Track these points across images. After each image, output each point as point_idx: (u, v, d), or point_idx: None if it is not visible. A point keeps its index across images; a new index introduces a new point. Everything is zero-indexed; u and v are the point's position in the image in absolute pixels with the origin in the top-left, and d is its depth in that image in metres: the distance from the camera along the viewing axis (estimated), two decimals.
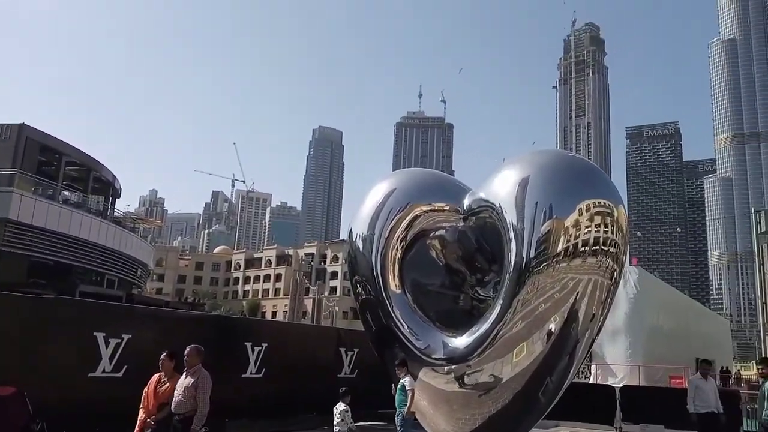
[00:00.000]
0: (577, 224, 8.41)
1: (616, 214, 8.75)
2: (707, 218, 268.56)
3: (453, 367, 9.15)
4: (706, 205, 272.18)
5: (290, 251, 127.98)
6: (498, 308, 8.68)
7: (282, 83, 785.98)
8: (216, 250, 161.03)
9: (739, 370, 48.82)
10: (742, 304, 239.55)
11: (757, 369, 9.89)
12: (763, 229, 30.16)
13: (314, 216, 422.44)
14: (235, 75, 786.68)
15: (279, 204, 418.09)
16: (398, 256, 9.78)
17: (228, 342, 12.36)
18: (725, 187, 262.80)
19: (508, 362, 8.76)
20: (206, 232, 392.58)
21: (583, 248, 8.41)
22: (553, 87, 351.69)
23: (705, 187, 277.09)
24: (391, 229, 9.73)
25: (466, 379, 9.08)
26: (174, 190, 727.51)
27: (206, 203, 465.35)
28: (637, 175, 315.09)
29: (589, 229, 8.46)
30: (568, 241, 8.36)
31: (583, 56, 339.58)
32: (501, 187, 9.07)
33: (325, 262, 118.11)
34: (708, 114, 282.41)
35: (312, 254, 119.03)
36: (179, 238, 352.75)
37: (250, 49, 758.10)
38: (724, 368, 32.83)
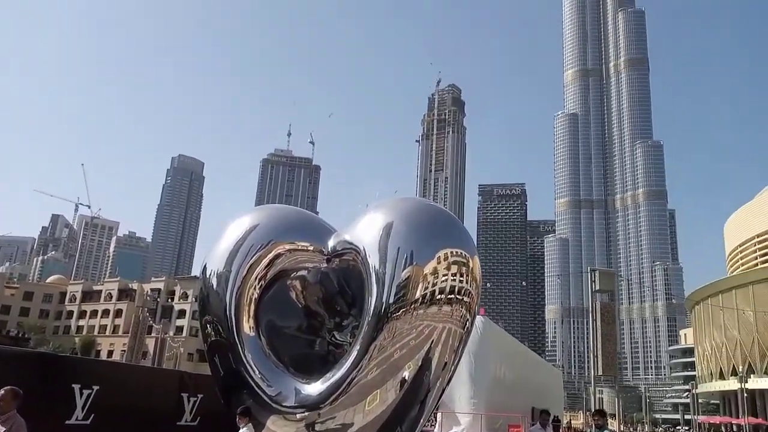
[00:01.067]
0: (435, 272, 8.61)
1: (471, 264, 9.08)
2: (546, 275, 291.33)
3: (304, 414, 8.81)
4: (546, 262, 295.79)
5: (134, 285, 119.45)
6: (354, 354, 8.55)
7: (143, 104, 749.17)
8: (49, 280, 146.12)
9: (569, 420, 52.48)
10: (572, 356, 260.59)
11: (593, 418, 10.53)
12: (597, 287, 33.41)
13: (165, 249, 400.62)
14: (92, 90, 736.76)
15: (127, 233, 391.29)
16: (255, 296, 9.33)
17: (52, 383, 10.96)
18: (562, 247, 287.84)
19: (360, 410, 8.62)
20: (40, 258, 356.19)
21: (439, 296, 8.61)
22: (417, 141, 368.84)
23: (545, 245, 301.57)
24: (250, 266, 9.28)
25: (317, 427, 8.79)
26: (6, 210, 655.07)
27: (43, 227, 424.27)
28: (487, 229, 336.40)
29: (446, 277, 8.70)
30: (426, 288, 8.52)
31: (444, 115, 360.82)
32: (366, 231, 9.08)
33: (172, 299, 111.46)
34: (551, 179, 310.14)
35: (159, 290, 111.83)
36: (7, 263, 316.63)
37: (114, 63, 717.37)
38: (556, 417, 34.92)
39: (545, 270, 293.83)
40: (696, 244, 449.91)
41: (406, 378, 8.66)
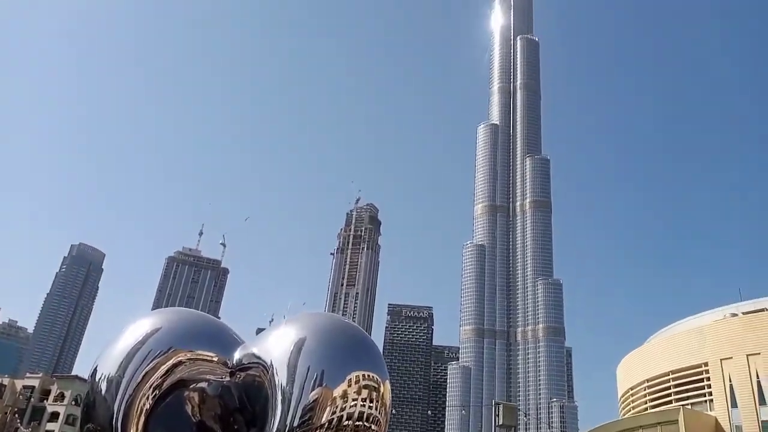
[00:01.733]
0: (345, 396, 8.25)
1: (382, 389, 8.79)
2: (447, 405, 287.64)
3: None
4: (448, 391, 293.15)
5: (5, 380, 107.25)
6: None
7: (46, 186, 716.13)
8: None
9: None
10: None
11: None
12: (500, 422, 33.09)
13: (47, 342, 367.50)
14: None
15: (6, 321, 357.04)
16: (147, 406, 8.51)
17: None
18: (464, 376, 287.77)
19: None
20: None
21: (347, 422, 8.20)
22: (331, 254, 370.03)
23: (448, 373, 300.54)
24: (145, 374, 8.54)
25: None
26: None
27: None
28: (393, 350, 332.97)
29: (356, 402, 8.35)
30: (334, 412, 8.12)
31: (361, 231, 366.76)
32: (276, 346, 8.70)
33: (47, 399, 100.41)
34: (457, 305, 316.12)
35: (32, 387, 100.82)
36: None
37: (21, 139, 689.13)
38: None
39: (447, 399, 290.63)
40: (591, 382, 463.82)
41: None
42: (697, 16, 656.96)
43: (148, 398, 8.42)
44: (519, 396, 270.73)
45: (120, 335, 9.21)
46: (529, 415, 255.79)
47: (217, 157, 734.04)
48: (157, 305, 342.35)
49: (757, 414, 67.95)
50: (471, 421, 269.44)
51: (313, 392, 8.03)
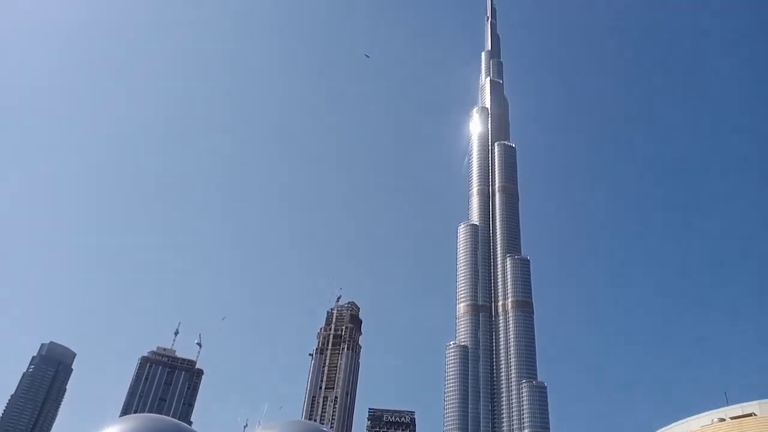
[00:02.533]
0: None
1: None
2: None
3: None
4: None
5: None
6: None
7: (15, 282, 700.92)
8: None
9: None
10: None
11: None
12: None
13: None
14: None
15: None
16: None
17: None
18: None
19: None
20: None
21: None
22: (310, 354, 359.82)
23: None
24: None
25: None
26: None
27: None
28: None
29: None
30: None
31: (341, 331, 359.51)
32: None
33: None
34: (440, 408, 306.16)
35: None
36: None
37: None
38: None
39: None
40: None
41: None
42: (664, 119, 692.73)
43: None
44: None
45: None
46: None
47: (194, 255, 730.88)
48: (127, 408, 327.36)
49: None
50: None
51: None
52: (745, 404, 78.32)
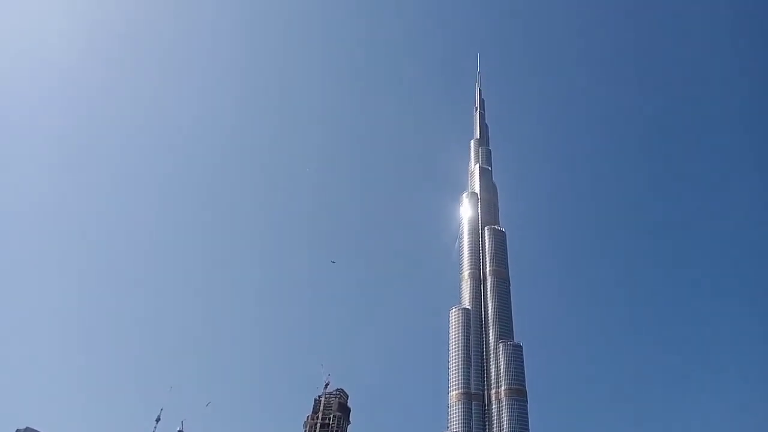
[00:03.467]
0: None
1: None
2: None
3: None
4: None
5: None
6: None
7: None
8: None
9: None
10: None
11: None
12: None
13: None
14: None
15: None
16: None
17: None
18: None
19: None
20: None
21: None
22: None
23: None
24: None
25: None
26: None
27: None
28: None
29: None
30: None
31: (329, 420, 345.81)
32: None
33: None
34: None
35: None
36: None
37: None
38: None
39: None
40: None
41: None
42: (651, 204, 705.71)
43: None
44: None
45: None
46: None
47: (176, 338, 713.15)
48: None
49: None
50: None
51: None
52: None
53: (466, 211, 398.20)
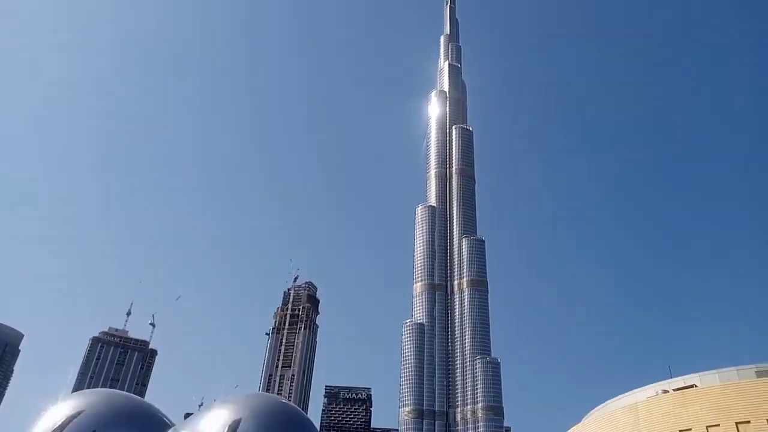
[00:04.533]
0: None
1: None
2: None
3: None
4: None
5: None
6: None
7: None
8: None
9: None
10: None
11: None
12: None
13: None
14: None
15: None
16: None
17: None
18: None
19: None
20: None
21: None
22: (267, 334, 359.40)
23: None
24: None
25: None
26: None
27: None
28: None
29: None
30: None
31: (298, 311, 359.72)
32: (209, 427, 8.35)
33: None
34: (396, 385, 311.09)
35: None
36: None
37: None
38: None
39: None
40: None
41: None
42: (615, 99, 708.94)
43: None
44: None
45: (38, 419, 8.60)
46: None
47: (147, 233, 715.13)
48: (78, 389, 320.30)
49: None
50: None
51: None
52: (687, 376, 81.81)
53: (434, 109, 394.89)
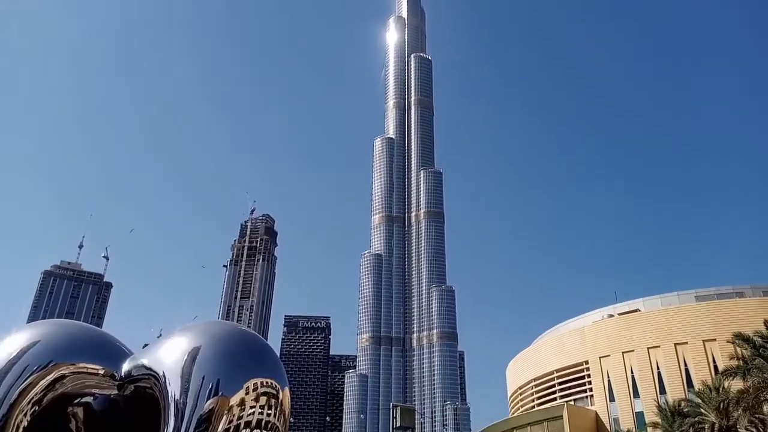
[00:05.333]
0: (242, 403, 8.05)
1: (281, 396, 8.65)
2: (344, 411, 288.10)
3: None
4: (345, 398, 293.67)
5: None
6: None
7: None
8: None
9: None
10: None
11: None
12: (398, 424, 33.73)
13: None
14: None
15: None
16: (25, 423, 7.84)
17: None
18: (362, 383, 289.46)
19: None
20: None
21: (244, 430, 7.99)
22: (224, 266, 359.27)
23: (346, 381, 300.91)
24: (23, 390, 7.84)
25: None
26: None
27: None
28: (290, 362, 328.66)
29: (254, 409, 8.16)
30: (231, 421, 7.87)
31: (256, 243, 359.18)
32: (168, 355, 8.31)
33: None
34: (355, 314, 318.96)
35: None
36: None
37: None
38: None
39: (344, 406, 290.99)
40: (483, 384, 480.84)
41: None
42: (589, 28, 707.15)
43: (26, 414, 7.74)
44: (414, 400, 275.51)
45: None
46: (424, 416, 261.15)
47: (99, 165, 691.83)
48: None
49: (631, 406, 73.53)
50: (368, 424, 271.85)
51: (209, 402, 7.71)
52: (631, 302, 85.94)
53: (392, 36, 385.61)
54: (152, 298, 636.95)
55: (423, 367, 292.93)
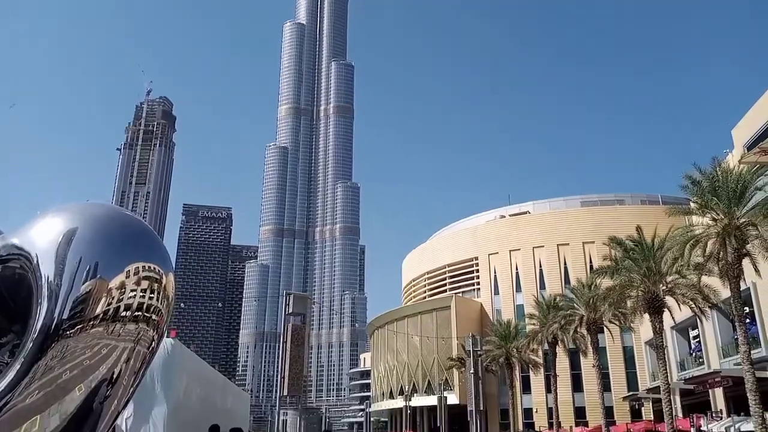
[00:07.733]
0: (122, 287, 7.72)
1: (164, 281, 8.38)
2: (243, 298, 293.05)
3: None
4: (245, 286, 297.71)
5: None
6: (11, 375, 7.18)
7: None
8: None
9: None
10: (262, 380, 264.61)
11: None
12: (291, 310, 34.88)
13: None
14: None
15: None
16: None
17: None
18: (262, 273, 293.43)
19: None
20: None
21: (124, 313, 7.73)
22: (118, 149, 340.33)
23: (246, 270, 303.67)
24: None
25: None
26: None
27: None
28: (188, 251, 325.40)
29: (135, 293, 7.87)
30: (110, 303, 7.57)
31: (152, 127, 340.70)
32: (41, 236, 7.76)
33: None
34: (258, 206, 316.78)
35: None
36: None
37: None
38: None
39: (243, 294, 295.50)
40: (381, 276, 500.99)
41: (76, 402, 7.59)
42: None
43: None
44: (315, 290, 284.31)
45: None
46: (322, 304, 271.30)
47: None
48: None
49: (513, 300, 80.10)
50: (267, 312, 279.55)
51: (86, 284, 7.35)
52: (522, 204, 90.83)
53: None
54: (35, 181, 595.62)
55: (324, 259, 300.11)
